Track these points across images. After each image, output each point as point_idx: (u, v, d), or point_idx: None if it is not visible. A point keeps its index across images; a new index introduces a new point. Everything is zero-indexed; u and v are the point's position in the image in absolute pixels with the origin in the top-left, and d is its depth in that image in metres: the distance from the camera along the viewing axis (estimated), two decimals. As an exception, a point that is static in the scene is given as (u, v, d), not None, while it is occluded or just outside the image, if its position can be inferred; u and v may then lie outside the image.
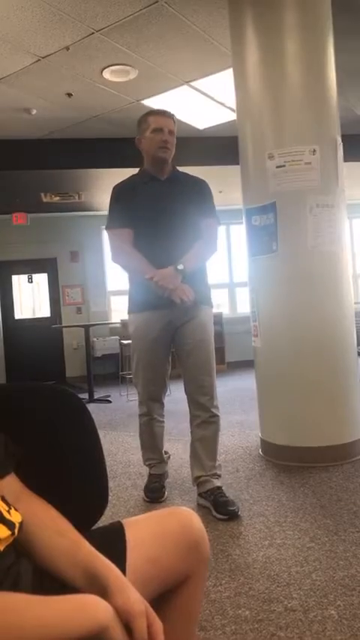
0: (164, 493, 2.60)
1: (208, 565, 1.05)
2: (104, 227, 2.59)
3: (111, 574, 0.81)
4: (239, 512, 2.35)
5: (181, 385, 2.60)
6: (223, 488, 2.47)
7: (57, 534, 0.86)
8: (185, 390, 2.57)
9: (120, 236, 2.52)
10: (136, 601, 0.77)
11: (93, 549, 0.84)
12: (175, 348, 2.59)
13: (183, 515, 1.01)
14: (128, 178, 2.64)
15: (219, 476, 2.53)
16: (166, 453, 2.77)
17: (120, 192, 2.58)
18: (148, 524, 1.00)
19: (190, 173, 2.67)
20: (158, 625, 0.77)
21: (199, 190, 2.60)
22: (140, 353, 2.56)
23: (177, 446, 3.52)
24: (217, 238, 2.61)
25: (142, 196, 2.52)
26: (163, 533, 0.98)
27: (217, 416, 2.55)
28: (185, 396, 2.59)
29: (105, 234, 3.12)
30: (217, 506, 2.37)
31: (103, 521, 1.05)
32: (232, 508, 2.34)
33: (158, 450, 2.68)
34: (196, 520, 1.01)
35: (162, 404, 2.66)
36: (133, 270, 2.52)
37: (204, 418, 2.52)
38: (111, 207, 2.59)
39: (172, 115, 2.57)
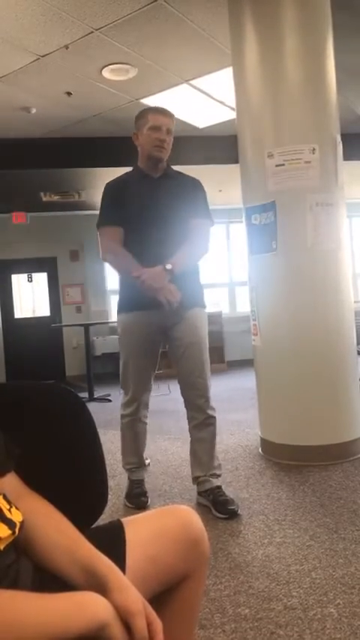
0: (148, 499, 2.56)
1: (207, 563, 1.05)
2: (96, 224, 2.57)
3: (110, 572, 0.81)
4: (239, 511, 2.35)
5: None
6: (222, 487, 2.47)
7: (57, 533, 0.86)
8: (181, 391, 2.56)
9: (109, 234, 2.51)
10: (135, 599, 0.77)
11: (93, 548, 0.85)
12: (169, 349, 2.58)
13: (182, 514, 1.01)
14: (121, 176, 2.62)
15: (218, 476, 2.53)
16: (146, 459, 2.74)
17: (111, 190, 2.56)
18: (148, 523, 1.00)
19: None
20: (158, 623, 0.77)
21: (192, 190, 2.56)
22: (128, 353, 2.55)
23: (176, 444, 3.52)
24: (208, 239, 2.56)
25: (133, 194, 2.49)
26: (162, 532, 0.97)
27: (214, 417, 2.54)
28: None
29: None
30: (217, 505, 2.38)
31: (103, 519, 1.05)
32: (231, 507, 2.35)
33: (139, 453, 2.65)
34: (195, 518, 1.01)
35: (147, 405, 2.64)
36: (121, 268, 2.50)
37: (200, 420, 2.52)
38: (102, 204, 2.57)
39: (172, 114, 2.53)
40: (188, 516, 1.00)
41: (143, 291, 2.33)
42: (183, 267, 2.39)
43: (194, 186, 2.59)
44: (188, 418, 2.57)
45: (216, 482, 2.49)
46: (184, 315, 2.46)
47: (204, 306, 2.59)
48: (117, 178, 2.61)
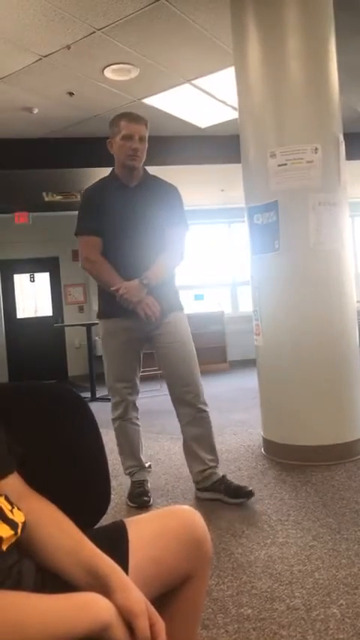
0: (150, 498, 2.57)
1: (210, 564, 1.05)
2: (74, 233, 2.59)
3: (113, 573, 0.80)
4: (253, 491, 2.46)
5: None
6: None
7: (60, 533, 0.86)
8: (169, 391, 2.59)
9: (88, 243, 2.53)
10: (137, 600, 0.77)
11: (95, 548, 0.84)
12: (154, 353, 2.61)
13: (185, 514, 1.01)
14: (99, 181, 2.63)
15: (218, 466, 2.59)
16: (146, 463, 2.75)
17: (89, 198, 2.58)
18: (151, 523, 1.00)
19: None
20: (160, 624, 0.77)
21: (169, 197, 2.58)
22: (111, 356, 2.58)
23: (178, 444, 3.50)
24: (184, 245, 2.59)
25: (110, 204, 2.51)
26: (165, 532, 0.97)
27: (206, 411, 2.56)
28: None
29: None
30: (232, 492, 2.45)
31: (106, 520, 1.05)
32: (247, 489, 2.45)
33: (136, 456, 2.66)
34: (198, 519, 1.01)
35: (136, 406, 2.66)
36: (100, 279, 2.54)
37: (192, 415, 2.54)
38: (80, 212, 2.59)
39: (145, 119, 2.53)
40: (191, 517, 1.00)
41: (122, 303, 2.39)
42: (160, 278, 2.46)
43: (170, 192, 2.60)
44: (178, 417, 2.59)
45: (220, 472, 2.55)
46: (163, 320, 2.50)
47: (182, 309, 2.62)
48: (95, 184, 2.63)
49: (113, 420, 2.64)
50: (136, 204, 2.51)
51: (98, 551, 0.84)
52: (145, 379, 3.27)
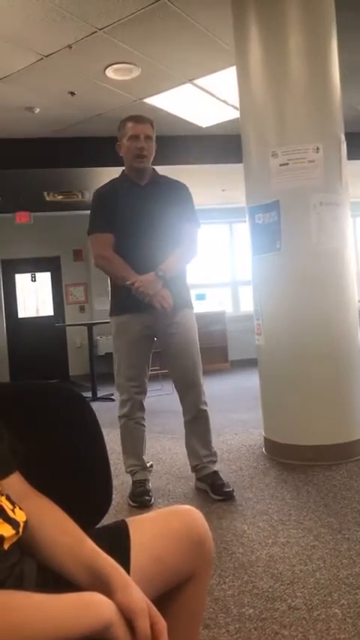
0: (151, 498, 2.58)
1: (212, 564, 1.05)
2: (87, 232, 2.64)
3: (114, 572, 0.80)
4: (234, 493, 2.54)
5: None
6: (220, 472, 2.65)
7: (61, 532, 0.86)
8: (175, 389, 2.70)
9: (101, 241, 2.57)
10: (138, 599, 0.77)
11: (96, 547, 0.84)
12: (162, 350, 2.69)
13: (187, 514, 1.01)
14: (110, 182, 2.68)
15: (215, 461, 2.69)
16: (148, 462, 2.77)
17: (102, 198, 2.63)
18: (153, 523, 1.00)
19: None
20: (162, 624, 0.76)
21: (180, 195, 2.65)
22: (122, 354, 2.61)
23: (180, 444, 3.50)
24: (197, 242, 2.65)
25: (122, 202, 2.56)
26: (167, 532, 0.97)
27: (205, 410, 2.67)
28: None
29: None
30: (214, 489, 2.56)
31: (107, 519, 1.05)
32: (227, 489, 2.54)
33: (139, 455, 2.68)
34: (199, 519, 1.01)
35: (143, 405, 2.69)
36: (115, 274, 2.58)
37: (194, 414, 2.65)
38: (93, 211, 2.63)
39: (150, 119, 2.61)
40: (192, 516, 1.00)
41: (137, 296, 2.43)
42: (174, 272, 2.52)
43: (181, 191, 2.67)
44: (183, 413, 2.70)
45: (213, 467, 2.66)
46: (175, 316, 2.56)
47: (192, 307, 2.70)
48: (106, 185, 2.68)
49: (119, 417, 2.68)
50: (149, 201, 2.56)
51: (99, 550, 0.84)
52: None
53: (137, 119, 2.57)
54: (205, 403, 2.67)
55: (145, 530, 0.97)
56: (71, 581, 0.82)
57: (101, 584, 0.79)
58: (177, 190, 2.65)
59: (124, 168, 2.67)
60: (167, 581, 0.95)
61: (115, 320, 2.64)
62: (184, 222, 2.61)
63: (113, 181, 2.68)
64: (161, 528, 0.98)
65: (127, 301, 2.52)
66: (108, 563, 0.82)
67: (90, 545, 0.85)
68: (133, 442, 2.67)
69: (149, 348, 2.66)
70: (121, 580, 0.79)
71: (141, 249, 2.51)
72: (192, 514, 1.01)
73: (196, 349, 2.63)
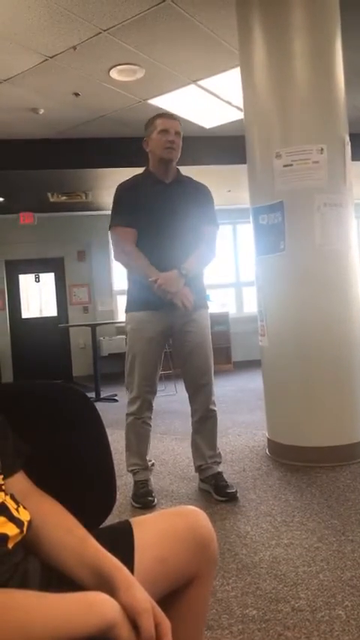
0: (154, 498, 2.58)
1: (216, 565, 1.05)
2: (108, 226, 2.63)
3: (118, 572, 0.80)
4: (237, 495, 2.53)
5: None
6: (223, 474, 2.65)
7: (64, 532, 0.86)
8: (186, 388, 2.70)
9: (124, 235, 2.56)
10: (142, 599, 0.77)
11: (100, 547, 0.84)
12: (174, 350, 2.70)
13: (191, 515, 1.01)
14: (132, 178, 2.67)
15: (219, 462, 2.70)
16: (150, 461, 2.76)
17: (125, 192, 2.62)
18: (157, 524, 1.00)
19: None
20: (166, 624, 0.76)
21: (202, 196, 2.67)
22: (136, 351, 2.60)
23: (184, 444, 3.51)
24: (216, 245, 2.69)
25: (146, 198, 2.55)
26: (171, 533, 0.97)
27: (214, 411, 2.70)
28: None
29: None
30: (217, 490, 2.56)
31: (110, 520, 1.05)
32: (231, 491, 2.54)
33: (142, 454, 2.67)
34: (204, 520, 1.01)
35: (151, 405, 2.69)
36: (136, 270, 2.56)
37: (202, 413, 2.66)
38: (115, 205, 2.61)
39: (178, 118, 2.65)
40: (197, 518, 1.00)
41: (159, 294, 2.42)
42: (195, 271, 2.55)
43: (204, 192, 2.70)
44: (191, 412, 2.71)
45: (217, 468, 2.66)
46: (192, 315, 2.56)
47: (207, 307, 2.73)
48: (129, 180, 2.67)
49: (127, 415, 2.66)
50: (173, 199, 2.57)
51: (103, 549, 0.84)
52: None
53: (167, 115, 2.63)
54: (215, 404, 2.68)
55: (149, 531, 0.97)
56: (75, 581, 0.82)
57: (105, 584, 0.79)
58: (200, 191, 2.67)
59: (146, 166, 2.67)
60: (171, 583, 0.95)
61: (132, 316, 2.62)
62: (205, 224, 2.62)
63: (136, 177, 2.67)
64: (165, 529, 0.98)
65: (144, 298, 2.52)
66: (111, 562, 0.82)
67: (93, 544, 0.85)
68: (138, 441, 2.66)
69: (163, 347, 2.65)
70: (125, 579, 0.79)
71: (163, 247, 2.51)
72: (196, 515, 1.01)
73: (209, 349, 2.64)
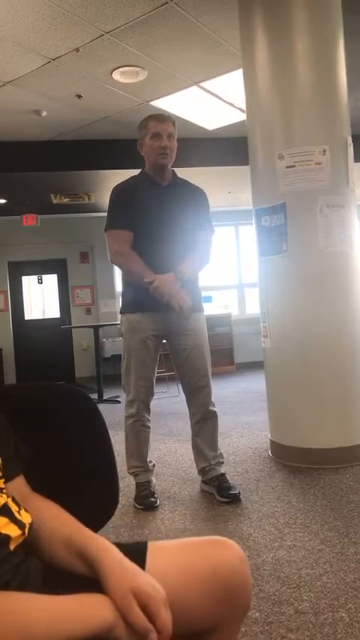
0: (157, 499, 2.57)
1: (245, 614, 0.87)
2: (104, 228, 2.62)
3: (103, 553, 0.78)
4: (240, 496, 2.53)
5: None
6: (226, 475, 2.65)
7: (58, 524, 0.85)
8: (184, 391, 2.69)
9: (120, 237, 2.56)
10: (124, 582, 0.72)
11: (91, 535, 0.82)
12: (172, 352, 2.69)
13: (219, 552, 0.85)
14: (128, 180, 2.67)
15: (222, 463, 2.69)
16: (150, 462, 2.75)
17: (120, 194, 2.61)
18: (175, 554, 0.87)
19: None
20: (165, 621, 0.72)
21: (199, 200, 2.67)
22: (132, 352, 2.59)
23: (186, 446, 3.50)
24: (211, 250, 2.68)
25: (142, 200, 2.55)
26: (190, 569, 0.83)
27: (215, 411, 2.68)
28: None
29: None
30: (220, 491, 2.55)
31: (113, 521, 1.05)
32: (234, 492, 2.53)
33: (143, 456, 2.66)
34: (234, 557, 0.84)
35: (149, 407, 2.68)
36: (132, 272, 2.56)
37: (202, 415, 2.65)
38: (111, 208, 2.62)
39: (171, 118, 2.61)
40: (225, 557, 0.84)
41: (155, 296, 2.42)
42: (191, 274, 2.55)
43: (200, 196, 2.69)
44: (190, 415, 2.70)
45: (220, 469, 2.66)
46: (188, 318, 2.56)
47: (203, 310, 2.72)
48: (125, 182, 2.66)
49: (126, 417, 2.65)
50: (169, 202, 2.56)
51: (92, 534, 0.81)
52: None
53: (159, 118, 2.58)
54: (214, 404, 2.68)
55: (165, 560, 0.85)
56: (75, 575, 0.80)
57: (92, 569, 0.77)
58: (196, 195, 2.67)
59: (142, 168, 2.66)
60: (183, 625, 0.78)
61: (127, 318, 2.61)
62: (201, 229, 2.62)
63: (133, 178, 2.66)
64: (184, 563, 0.84)
65: (139, 300, 2.52)
66: (97, 544, 0.79)
67: (84, 532, 0.82)
68: (139, 443, 2.65)
69: (158, 348, 2.65)
70: (111, 562, 0.76)
71: (158, 249, 2.50)
72: (225, 553, 0.84)
73: (207, 351, 2.65)
